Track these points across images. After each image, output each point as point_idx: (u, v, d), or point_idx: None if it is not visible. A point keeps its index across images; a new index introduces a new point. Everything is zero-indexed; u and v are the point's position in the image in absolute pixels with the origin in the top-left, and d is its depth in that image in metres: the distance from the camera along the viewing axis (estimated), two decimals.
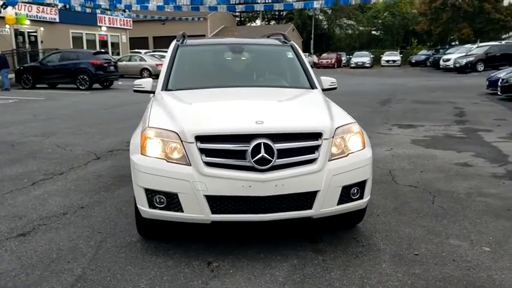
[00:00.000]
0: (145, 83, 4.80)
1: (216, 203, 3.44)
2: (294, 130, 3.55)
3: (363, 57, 45.38)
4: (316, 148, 3.54)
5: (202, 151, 3.45)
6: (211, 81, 4.95)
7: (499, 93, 15.41)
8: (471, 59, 30.29)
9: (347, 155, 3.66)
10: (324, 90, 4.92)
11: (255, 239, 3.96)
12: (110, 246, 3.90)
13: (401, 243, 3.90)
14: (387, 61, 46.87)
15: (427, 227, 4.24)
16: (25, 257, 3.70)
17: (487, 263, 3.53)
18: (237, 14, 59.69)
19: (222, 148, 3.46)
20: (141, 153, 3.62)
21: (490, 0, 45.42)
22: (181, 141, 3.50)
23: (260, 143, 3.41)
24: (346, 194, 3.64)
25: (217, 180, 3.41)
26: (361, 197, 3.74)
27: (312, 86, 4.87)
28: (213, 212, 3.45)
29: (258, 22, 62.26)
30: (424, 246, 3.84)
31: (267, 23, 62.13)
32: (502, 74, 16.88)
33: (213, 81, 4.95)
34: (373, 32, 63.51)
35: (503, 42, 38.51)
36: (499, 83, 15.70)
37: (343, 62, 49.70)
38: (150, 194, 3.55)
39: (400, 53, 49.85)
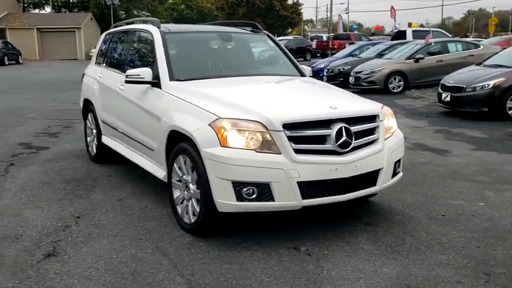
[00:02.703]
0: (144, 72, 4.40)
1: (306, 188, 3.53)
2: (361, 113, 3.85)
3: None
4: (375, 129, 3.90)
5: (290, 138, 3.49)
6: (216, 70, 4.82)
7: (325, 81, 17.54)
8: None
9: (392, 134, 4.11)
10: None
11: (300, 223, 4.11)
12: (177, 250, 3.61)
13: (420, 209, 4.50)
14: None
15: (420, 193, 4.95)
16: None
17: (496, 214, 4.37)
18: None
19: (307, 134, 3.56)
20: (222, 146, 3.46)
21: None
22: (268, 130, 3.46)
23: (341, 127, 3.61)
24: (395, 169, 4.09)
25: (308, 166, 3.50)
26: (400, 171, 4.24)
27: (302, 74, 5.13)
28: (304, 198, 3.53)
29: (48, 9, 56.98)
30: (438, 209, 4.51)
31: (57, 10, 57.29)
32: (323, 64, 19.23)
33: (218, 70, 4.83)
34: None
35: (291, 37, 43.16)
36: (324, 73, 17.76)
37: None
38: (239, 186, 3.44)
39: None
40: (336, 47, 32.89)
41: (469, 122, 9.36)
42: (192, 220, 3.83)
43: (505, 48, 15.57)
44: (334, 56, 21.02)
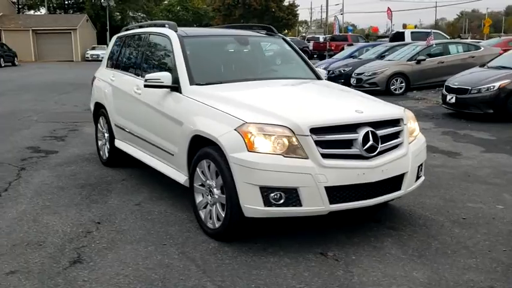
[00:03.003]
0: (164, 77, 4.37)
1: (334, 193, 3.51)
2: (387, 117, 3.85)
3: None
4: (400, 133, 3.89)
5: (317, 143, 3.47)
6: (235, 74, 4.80)
7: None
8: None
9: (415, 138, 4.11)
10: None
11: (323, 228, 4.10)
12: (203, 255, 3.59)
13: (440, 212, 4.50)
14: None
15: (438, 196, 4.95)
16: None
17: None
18: (15, 0, 53.57)
19: (333, 139, 3.55)
20: (249, 151, 3.44)
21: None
22: (295, 134, 3.45)
23: (368, 131, 3.60)
24: (418, 173, 4.08)
25: (336, 171, 3.49)
26: (422, 175, 4.23)
27: (318, 77, 5.12)
28: (331, 203, 3.51)
29: (43, 11, 56.64)
30: (458, 212, 4.51)
31: (52, 12, 56.99)
32: (323, 66, 19.23)
33: (237, 74, 4.81)
34: None
35: (288, 38, 43.06)
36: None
37: None
38: (266, 191, 3.42)
39: None
40: (333, 48, 32.92)
41: (475, 123, 9.39)
42: (217, 225, 3.80)
43: (505, 50, 15.69)
44: (334, 57, 21.02)
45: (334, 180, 3.48)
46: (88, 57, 44.94)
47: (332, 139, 3.53)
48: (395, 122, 3.90)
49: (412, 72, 14.87)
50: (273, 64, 5.32)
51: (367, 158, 3.61)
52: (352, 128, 3.61)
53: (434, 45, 15.54)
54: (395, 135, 3.87)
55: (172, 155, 4.39)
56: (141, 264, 3.47)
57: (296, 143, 3.45)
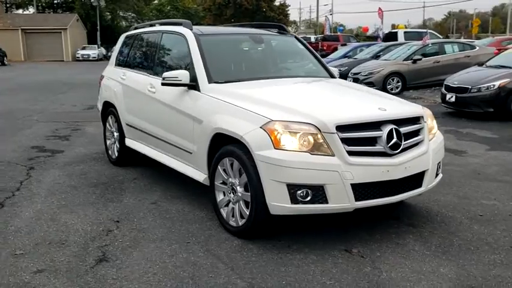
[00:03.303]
0: (182, 75, 4.36)
1: (359, 190, 3.53)
2: (409, 115, 3.89)
3: None
4: (420, 131, 3.93)
5: (343, 140, 3.49)
6: (251, 72, 4.81)
7: None
8: None
9: (434, 136, 4.14)
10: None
11: (344, 225, 4.12)
12: (229, 253, 3.59)
13: (456, 209, 4.54)
14: None
15: (452, 194, 4.99)
16: None
17: None
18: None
19: (358, 136, 3.57)
20: (276, 148, 3.45)
21: None
22: (321, 132, 3.46)
23: (392, 129, 3.63)
24: (437, 170, 4.12)
25: (361, 168, 3.51)
26: (440, 172, 4.27)
27: (332, 75, 5.14)
28: (357, 200, 3.53)
29: (32, 10, 56.06)
30: (473, 209, 4.56)
31: (41, 11, 56.48)
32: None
33: (253, 72, 4.82)
34: None
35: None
36: None
37: None
38: (293, 188, 3.44)
39: None
40: (325, 48, 33.02)
41: (475, 122, 9.48)
42: (240, 223, 3.81)
43: (499, 49, 15.88)
44: (329, 57, 21.09)
45: (360, 178, 3.50)
46: (79, 57, 44.69)
47: (357, 136, 3.56)
48: (416, 119, 3.94)
49: (408, 71, 14.98)
50: (288, 62, 5.33)
51: (390, 156, 3.64)
52: (376, 125, 3.64)
53: (429, 45, 15.66)
54: (416, 132, 3.90)
55: (191, 153, 4.39)
56: (168, 262, 3.46)
57: (322, 141, 3.47)
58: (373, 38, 34.77)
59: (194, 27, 4.91)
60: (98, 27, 50.61)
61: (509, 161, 6.41)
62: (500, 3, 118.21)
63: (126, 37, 6.25)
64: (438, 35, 25.33)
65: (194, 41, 4.64)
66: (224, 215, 4.00)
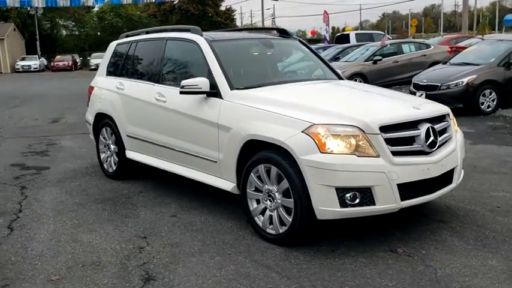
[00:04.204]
0: (202, 82, 4.24)
1: (404, 189, 3.56)
2: (440, 113, 3.98)
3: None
4: (448, 128, 4.03)
5: (386, 141, 3.52)
6: (268, 77, 4.76)
7: None
8: None
9: (457, 132, 4.26)
10: None
11: (375, 226, 4.15)
12: (276, 261, 3.52)
13: (473, 203, 4.68)
14: None
15: (461, 188, 5.14)
16: None
17: None
18: None
19: (400, 136, 3.61)
20: (322, 152, 3.42)
21: (211, 4, 50.23)
22: (365, 133, 3.47)
23: (429, 127, 3.69)
24: (461, 167, 4.23)
25: (405, 168, 3.55)
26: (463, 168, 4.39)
27: (340, 77, 5.18)
28: (402, 199, 3.56)
29: None
30: (489, 201, 4.71)
31: None
32: None
33: (270, 77, 4.77)
34: (99, 33, 61.90)
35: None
36: None
37: (79, 64, 47.92)
38: (342, 192, 3.42)
39: None
40: None
41: None
42: (281, 230, 3.74)
43: (452, 48, 16.64)
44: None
45: (404, 177, 3.53)
46: (19, 69, 42.76)
47: (398, 136, 3.59)
48: (443, 117, 4.03)
49: (370, 72, 15.35)
50: (299, 66, 5.31)
51: (428, 154, 3.69)
52: (414, 124, 3.69)
53: (388, 46, 16.14)
54: (445, 130, 3.99)
55: (215, 162, 4.27)
56: (219, 275, 3.34)
57: (366, 142, 3.47)
58: (316, 41, 35.35)
59: (204, 33, 4.80)
60: (37, 37, 48.64)
61: (498, 153, 6.70)
62: (430, 4, 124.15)
63: (118, 45, 6.02)
64: (388, 36, 26.17)
65: (208, 47, 4.53)
66: (260, 223, 3.91)
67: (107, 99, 5.80)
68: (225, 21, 51.22)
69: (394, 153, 3.52)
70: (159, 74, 5.07)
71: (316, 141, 3.44)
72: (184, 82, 4.28)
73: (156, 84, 5.03)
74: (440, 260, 3.47)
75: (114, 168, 5.83)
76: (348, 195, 3.42)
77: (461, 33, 26.23)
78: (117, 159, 5.75)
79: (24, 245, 3.95)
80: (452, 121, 4.20)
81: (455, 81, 10.11)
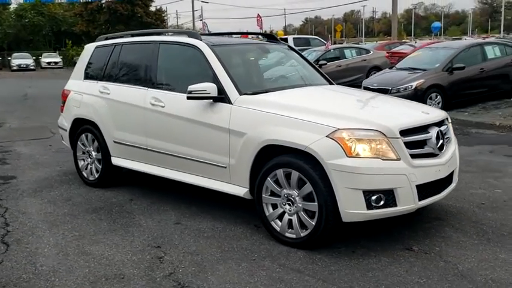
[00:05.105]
0: (210, 88, 4.20)
1: (421, 191, 3.75)
2: (442, 117, 4.21)
3: (25, 59, 42.31)
4: (448, 131, 4.29)
5: (405, 144, 3.69)
6: (271, 82, 4.82)
7: None
8: None
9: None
10: None
11: (378, 226, 4.31)
12: (304, 265, 3.57)
13: (460, 201, 5.00)
14: (48, 63, 44.86)
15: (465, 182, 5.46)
16: None
17: None
18: None
19: (416, 139, 3.80)
20: (349, 156, 3.52)
21: (141, 5, 48.99)
22: (387, 137, 3.62)
23: (438, 131, 3.92)
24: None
25: (422, 170, 3.74)
26: None
27: (330, 82, 5.32)
28: (419, 200, 3.74)
29: None
30: (472, 199, 5.05)
31: None
32: None
33: (273, 82, 4.84)
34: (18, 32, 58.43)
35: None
36: None
37: None
38: (368, 195, 3.54)
39: (60, 54, 48.27)
40: None
41: None
42: (302, 234, 3.79)
43: (388, 53, 17.49)
44: None
45: (422, 179, 3.72)
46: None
47: (414, 140, 3.77)
48: (444, 121, 4.29)
49: None
50: (294, 71, 5.38)
51: (437, 156, 3.91)
52: (425, 128, 3.90)
53: (332, 50, 16.68)
54: (446, 133, 4.24)
55: (225, 167, 4.24)
56: (253, 282, 3.34)
57: (389, 146, 3.61)
58: None
59: (203, 37, 4.75)
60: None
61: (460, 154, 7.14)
62: (349, 9, 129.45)
63: (98, 48, 5.78)
64: (323, 41, 27.01)
65: (211, 52, 4.49)
66: (277, 227, 3.94)
67: (88, 104, 5.55)
68: (156, 22, 50.18)
69: (412, 156, 3.70)
70: (153, 78, 4.93)
71: (342, 145, 3.53)
72: (191, 87, 4.21)
73: (149, 89, 4.89)
74: (456, 256, 3.69)
75: (96, 176, 5.59)
76: (373, 197, 3.54)
77: (392, 39, 27.71)
78: (100, 166, 5.52)
79: (30, 261, 3.71)
80: (449, 124, 4.46)
81: (405, 85, 10.68)
